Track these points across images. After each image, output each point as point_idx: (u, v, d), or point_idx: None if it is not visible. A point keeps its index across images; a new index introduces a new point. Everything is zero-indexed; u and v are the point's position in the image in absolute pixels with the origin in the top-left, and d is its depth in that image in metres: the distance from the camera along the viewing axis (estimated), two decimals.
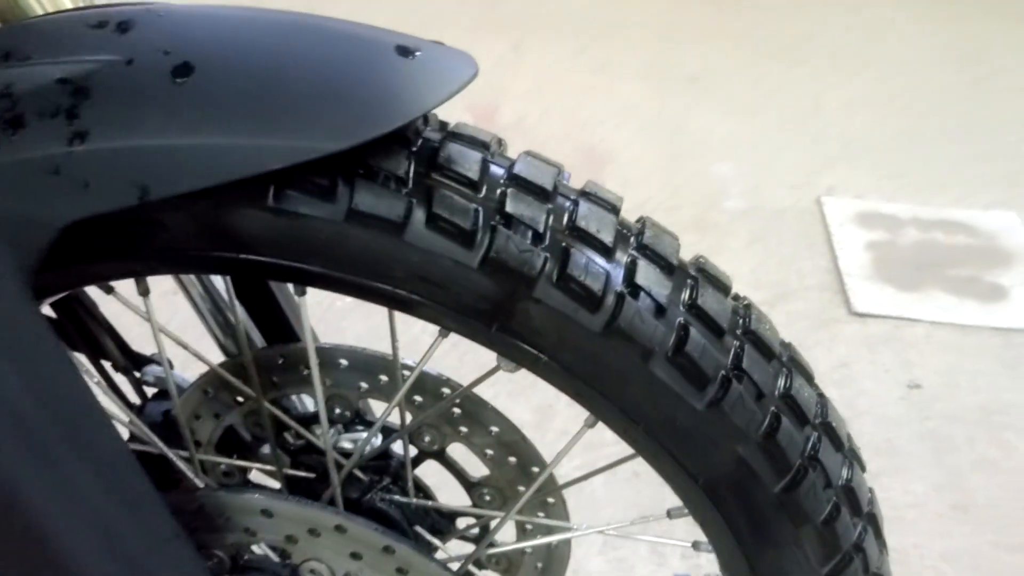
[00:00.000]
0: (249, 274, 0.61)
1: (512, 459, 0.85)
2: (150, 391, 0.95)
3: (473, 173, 0.57)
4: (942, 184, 2.43)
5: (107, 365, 0.94)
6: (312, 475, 0.88)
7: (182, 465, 0.76)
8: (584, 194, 0.61)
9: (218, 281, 0.88)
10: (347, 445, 0.91)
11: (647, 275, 0.59)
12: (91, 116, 0.54)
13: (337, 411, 0.86)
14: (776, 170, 2.47)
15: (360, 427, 0.88)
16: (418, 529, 0.88)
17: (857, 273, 2.10)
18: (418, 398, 0.83)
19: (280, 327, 0.89)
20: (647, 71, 2.94)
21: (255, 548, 0.75)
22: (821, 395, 0.67)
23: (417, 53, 0.57)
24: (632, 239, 0.61)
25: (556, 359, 0.60)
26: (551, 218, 0.58)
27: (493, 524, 0.86)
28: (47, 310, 0.88)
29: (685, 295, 0.60)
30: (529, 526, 0.88)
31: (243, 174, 0.53)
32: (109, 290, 0.74)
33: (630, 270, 0.59)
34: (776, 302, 1.96)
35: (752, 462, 0.61)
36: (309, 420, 0.88)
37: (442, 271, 0.57)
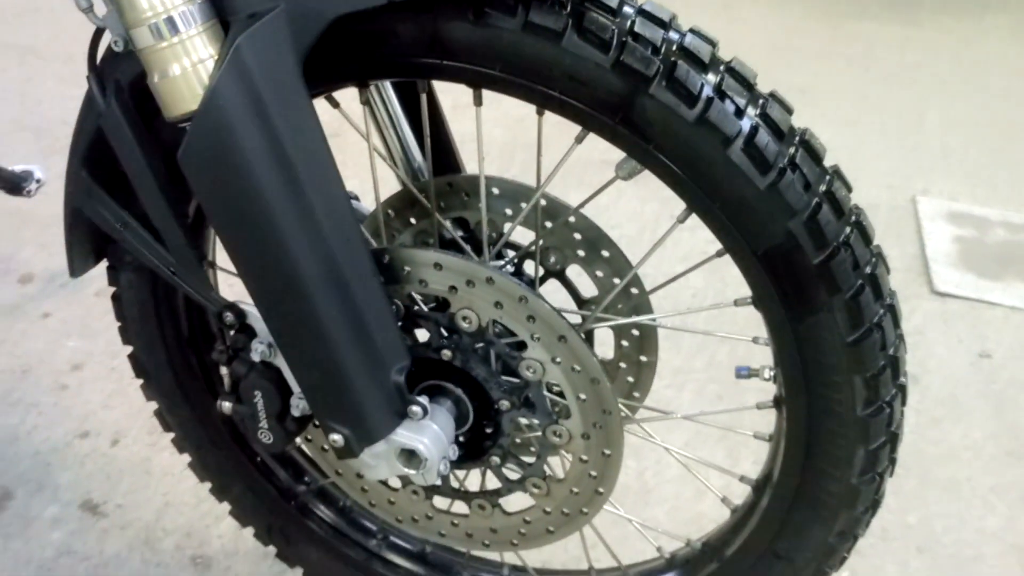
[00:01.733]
0: (447, 77, 0.87)
1: (616, 279, 1.08)
2: None
3: (613, 4, 0.82)
4: None
5: None
6: None
7: (371, 241, 1.01)
8: (691, 30, 0.84)
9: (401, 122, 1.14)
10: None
11: (731, 87, 0.82)
12: None
13: (487, 232, 1.11)
14: (875, 172, 2.64)
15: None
16: None
17: (943, 260, 2.26)
18: (548, 224, 1.07)
19: (445, 160, 1.14)
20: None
21: (421, 303, 1.00)
22: (858, 206, 0.88)
23: None
24: (722, 65, 0.84)
25: (661, 148, 0.83)
26: (665, 41, 0.82)
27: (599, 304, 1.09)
28: None
29: (758, 107, 0.83)
30: (624, 343, 1.11)
31: None
32: (336, 104, 1.00)
33: (719, 82, 0.82)
34: None
35: (799, 236, 0.83)
36: (464, 240, 1.12)
37: (585, 71, 0.81)
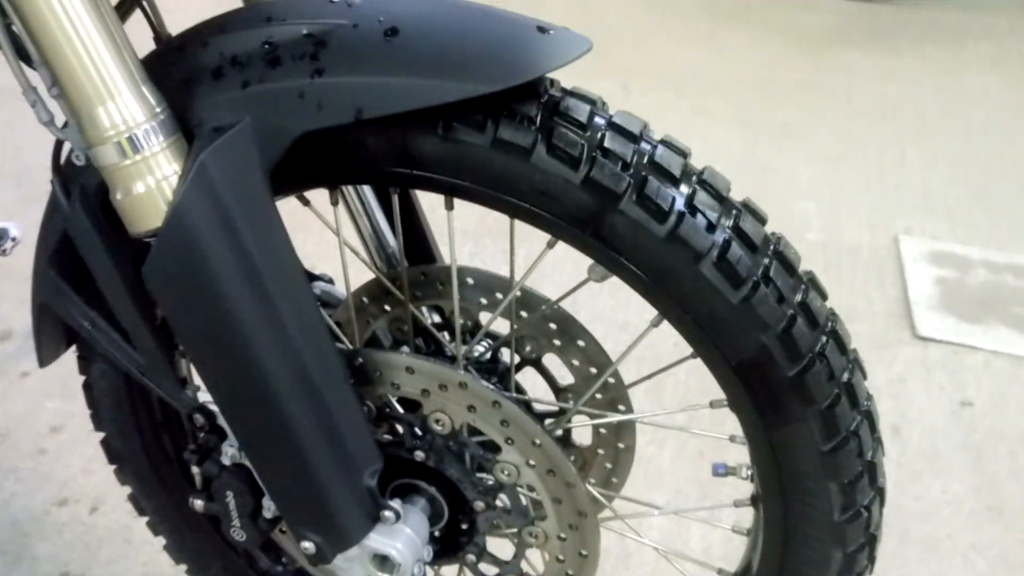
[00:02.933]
0: (418, 187, 0.86)
1: (592, 369, 1.07)
2: None
3: (583, 118, 0.81)
4: (1017, 235, 2.57)
5: None
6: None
7: (337, 330, 1.00)
8: (662, 142, 0.84)
9: (375, 213, 1.13)
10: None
11: (703, 201, 0.81)
12: (327, 59, 0.79)
13: (461, 321, 1.10)
14: (856, 210, 2.65)
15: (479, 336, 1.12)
16: None
17: (924, 303, 2.26)
18: (524, 313, 1.06)
19: (420, 249, 1.13)
20: (742, 117, 3.15)
21: (394, 402, 0.99)
22: (833, 312, 0.88)
23: (551, 31, 0.81)
24: (695, 177, 0.83)
25: (632, 260, 0.82)
26: (636, 155, 0.81)
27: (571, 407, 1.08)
28: None
29: (730, 219, 0.82)
30: (603, 431, 1.10)
31: (428, 103, 0.78)
32: (306, 202, 0.99)
33: (690, 196, 0.81)
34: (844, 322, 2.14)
35: (772, 349, 0.82)
36: (439, 328, 1.12)
37: (555, 187, 0.81)
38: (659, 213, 0.80)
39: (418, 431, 0.97)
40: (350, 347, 1.01)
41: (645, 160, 0.82)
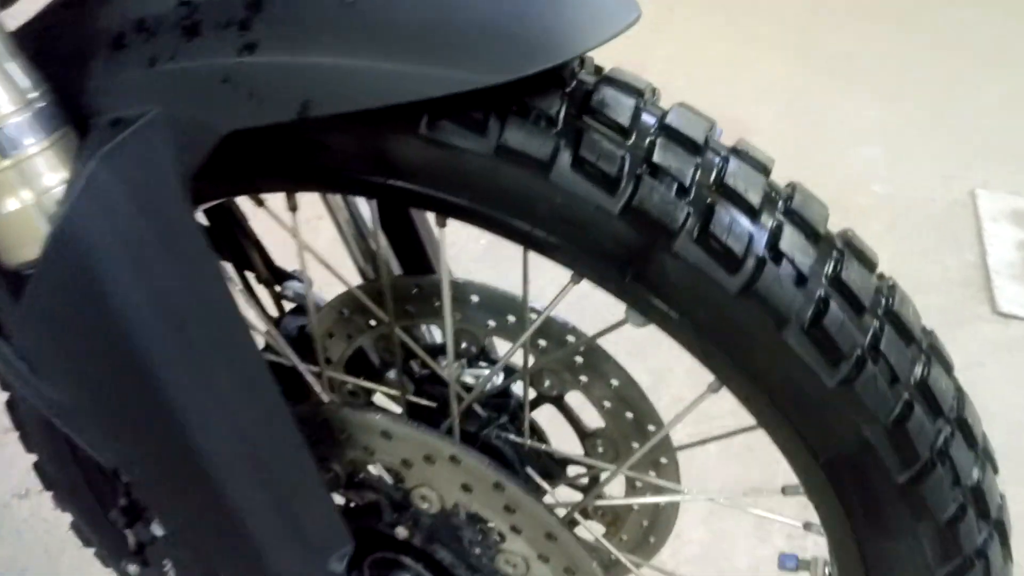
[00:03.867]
0: (396, 200, 0.63)
1: (629, 414, 0.85)
2: (288, 306, 0.99)
3: (624, 119, 0.57)
4: None
5: (251, 277, 0.98)
6: (433, 404, 0.91)
7: (311, 379, 0.78)
8: (735, 152, 0.60)
9: (363, 209, 0.90)
10: (469, 380, 0.93)
11: (792, 241, 0.57)
12: (262, 29, 0.56)
13: (463, 345, 0.88)
14: (927, 158, 2.36)
15: (484, 364, 0.90)
16: (529, 471, 0.89)
17: (1006, 272, 2.00)
18: (542, 342, 0.84)
19: (418, 258, 0.90)
20: (797, 46, 2.84)
21: (371, 468, 0.77)
22: (959, 388, 0.64)
23: None
24: (780, 203, 0.59)
25: (688, 317, 0.59)
26: (699, 172, 0.57)
27: (604, 476, 0.86)
28: (200, 216, 0.92)
29: (829, 267, 0.58)
30: (639, 484, 0.88)
31: (401, 99, 0.54)
32: (260, 203, 0.77)
33: (775, 234, 0.57)
34: (913, 293, 1.88)
35: (878, 447, 0.59)
36: (436, 351, 0.89)
37: (583, 214, 0.57)
38: (729, 258, 0.56)
39: (400, 504, 0.76)
40: (321, 393, 0.79)
41: (711, 180, 0.57)
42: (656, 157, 0.56)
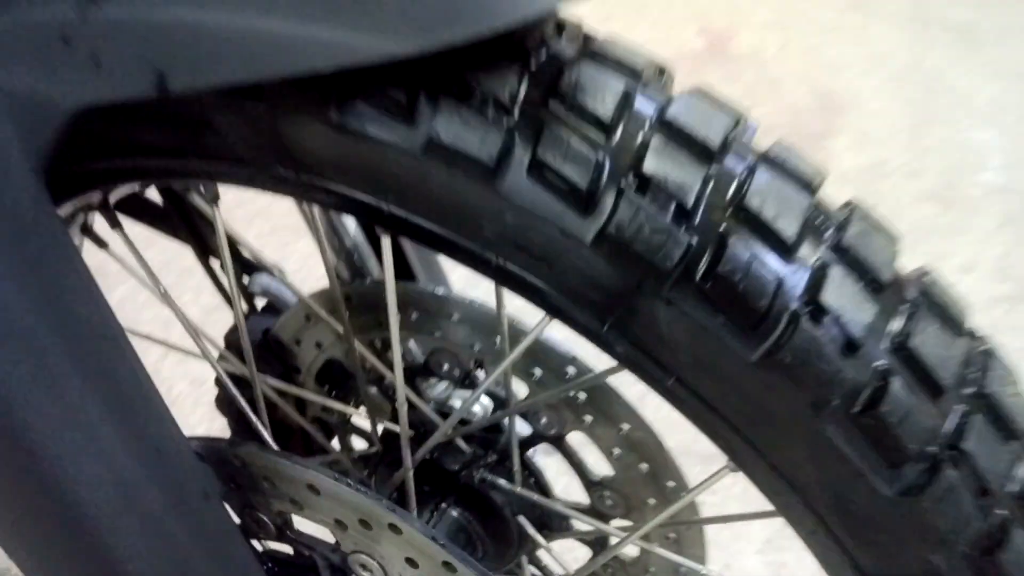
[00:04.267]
0: (311, 200, 0.48)
1: (643, 465, 0.69)
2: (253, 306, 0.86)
3: (605, 108, 0.40)
4: None
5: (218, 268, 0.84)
6: (410, 433, 0.76)
7: (239, 399, 0.64)
8: (767, 159, 0.42)
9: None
10: (457, 403, 0.78)
11: (841, 290, 0.40)
12: None
13: (445, 367, 0.73)
14: None
15: (471, 391, 0.75)
16: (521, 519, 0.74)
17: None
18: (538, 371, 0.68)
19: (399, 263, 0.75)
20: (908, 15, 2.57)
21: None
22: None
23: None
24: (828, 233, 0.42)
25: (688, 384, 0.43)
26: (709, 187, 0.40)
27: (612, 541, 0.70)
28: (154, 195, 0.79)
29: (894, 326, 0.41)
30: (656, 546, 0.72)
31: (284, 72, 0.39)
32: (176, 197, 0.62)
33: (816, 279, 0.40)
34: (1021, 301, 1.65)
35: None
36: (415, 371, 0.74)
37: (543, 240, 0.41)
38: (747, 312, 0.39)
39: (339, 569, 0.61)
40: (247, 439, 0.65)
41: (727, 199, 0.40)
42: (648, 164, 0.39)
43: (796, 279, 0.40)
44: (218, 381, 0.82)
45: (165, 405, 0.54)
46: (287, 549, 0.63)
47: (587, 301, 0.42)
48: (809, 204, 0.41)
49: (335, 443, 0.84)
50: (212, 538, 0.57)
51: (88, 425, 0.50)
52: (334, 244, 0.76)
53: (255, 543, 0.63)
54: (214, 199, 0.57)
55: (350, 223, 0.75)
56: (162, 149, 0.48)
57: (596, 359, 0.64)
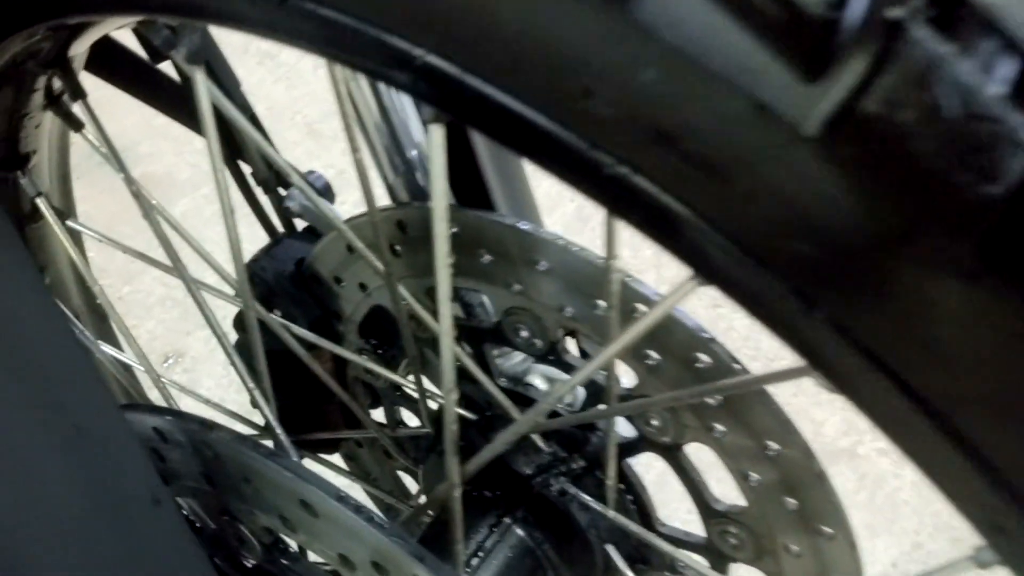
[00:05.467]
0: (309, 40, 0.28)
1: (790, 500, 0.48)
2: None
3: None
4: None
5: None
6: (472, 416, 0.57)
7: (250, 385, 0.46)
8: None
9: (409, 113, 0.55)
10: (537, 382, 0.58)
11: None
12: None
13: (523, 334, 0.53)
14: None
15: (557, 367, 0.55)
16: (608, 548, 0.55)
17: None
18: (653, 355, 0.47)
19: (477, 192, 0.55)
20: None
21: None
22: None
23: None
24: None
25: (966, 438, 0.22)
26: None
27: None
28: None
29: None
30: None
31: None
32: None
33: None
34: None
35: None
36: (482, 335, 0.55)
37: (712, 126, 0.20)
38: None
39: None
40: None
41: None
42: None
43: None
44: (238, 322, 0.64)
45: (103, 382, 0.36)
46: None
47: (785, 258, 0.22)
48: None
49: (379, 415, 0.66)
50: (162, 560, 0.39)
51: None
52: (391, 154, 0.56)
53: (234, 561, 0.45)
54: (197, 57, 0.38)
55: (415, 125, 0.56)
56: None
57: (742, 341, 0.43)
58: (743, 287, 0.24)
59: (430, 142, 0.33)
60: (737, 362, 0.45)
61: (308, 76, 1.80)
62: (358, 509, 0.36)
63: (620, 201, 0.24)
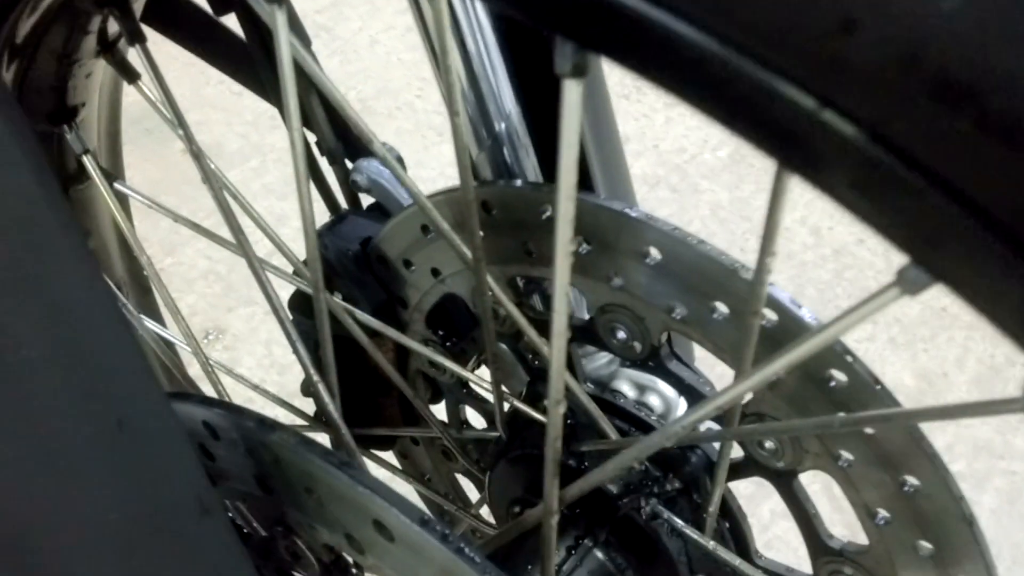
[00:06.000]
0: None
1: (924, 544, 0.42)
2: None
3: None
4: None
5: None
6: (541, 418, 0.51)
7: (312, 373, 0.40)
8: None
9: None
10: (625, 389, 0.52)
11: None
12: None
13: (620, 336, 0.47)
14: None
15: (654, 376, 0.49)
16: None
17: None
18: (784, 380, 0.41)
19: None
20: None
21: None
22: None
23: None
24: None
25: None
26: None
27: None
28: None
29: None
30: None
31: None
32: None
33: None
34: None
35: None
36: (573, 332, 0.49)
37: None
38: None
39: None
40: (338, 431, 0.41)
41: None
42: None
43: None
44: (294, 303, 0.59)
45: (150, 368, 0.31)
46: None
47: None
48: None
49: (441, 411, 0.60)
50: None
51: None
52: (477, 126, 0.50)
53: None
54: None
55: (507, 94, 0.49)
56: None
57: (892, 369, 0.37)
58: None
59: (564, 101, 0.27)
60: (879, 382, 0.39)
61: (363, 52, 1.75)
62: (444, 538, 0.30)
63: (873, 188, 0.18)
